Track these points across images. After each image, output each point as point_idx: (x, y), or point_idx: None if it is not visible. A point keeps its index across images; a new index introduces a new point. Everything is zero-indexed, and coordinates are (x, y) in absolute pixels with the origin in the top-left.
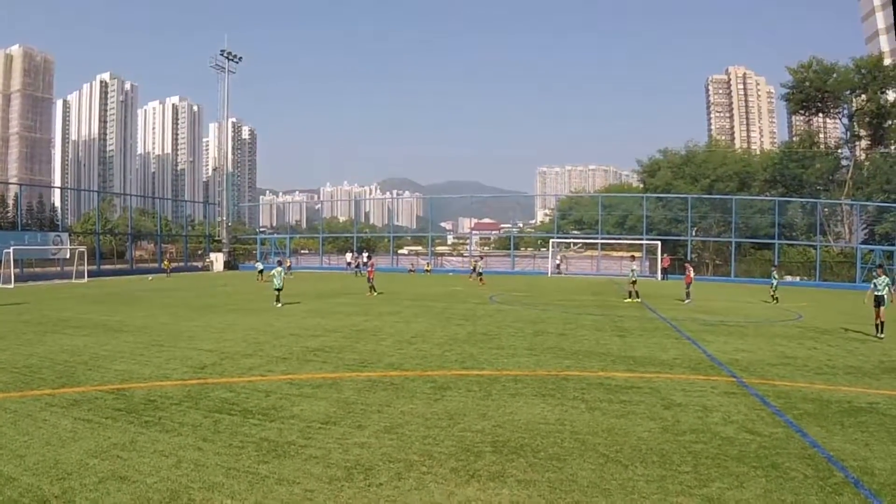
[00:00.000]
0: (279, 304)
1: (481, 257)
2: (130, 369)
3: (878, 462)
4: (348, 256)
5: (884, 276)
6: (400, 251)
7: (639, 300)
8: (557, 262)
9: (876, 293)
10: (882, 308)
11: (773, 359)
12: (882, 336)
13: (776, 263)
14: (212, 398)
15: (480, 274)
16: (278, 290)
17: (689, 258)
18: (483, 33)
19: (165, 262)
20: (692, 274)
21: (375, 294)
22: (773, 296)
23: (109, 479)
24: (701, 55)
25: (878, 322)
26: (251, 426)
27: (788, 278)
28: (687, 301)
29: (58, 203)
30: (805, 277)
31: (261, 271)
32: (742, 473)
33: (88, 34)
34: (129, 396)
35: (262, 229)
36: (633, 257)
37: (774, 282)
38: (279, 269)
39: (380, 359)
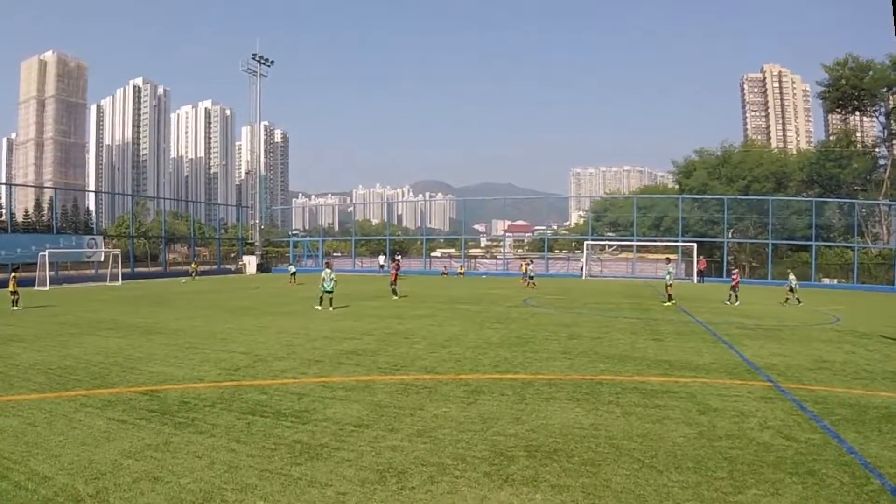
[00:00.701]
0: (327, 307)
1: (531, 261)
2: (164, 371)
3: None
4: (381, 259)
5: None
6: (433, 254)
7: (674, 302)
8: (582, 263)
9: None
10: None
11: (810, 363)
12: None
13: (791, 268)
14: (245, 400)
15: (532, 277)
16: (328, 293)
17: (729, 261)
18: (517, 34)
19: (193, 266)
20: (738, 277)
21: (397, 298)
22: (795, 298)
23: (143, 479)
24: (736, 53)
25: None
26: (284, 428)
27: (826, 281)
28: (736, 303)
29: (92, 206)
30: (842, 280)
31: (293, 274)
32: (778, 480)
33: (121, 40)
34: (162, 398)
35: (294, 232)
36: (668, 259)
37: (792, 283)
38: (328, 271)
39: (413, 362)
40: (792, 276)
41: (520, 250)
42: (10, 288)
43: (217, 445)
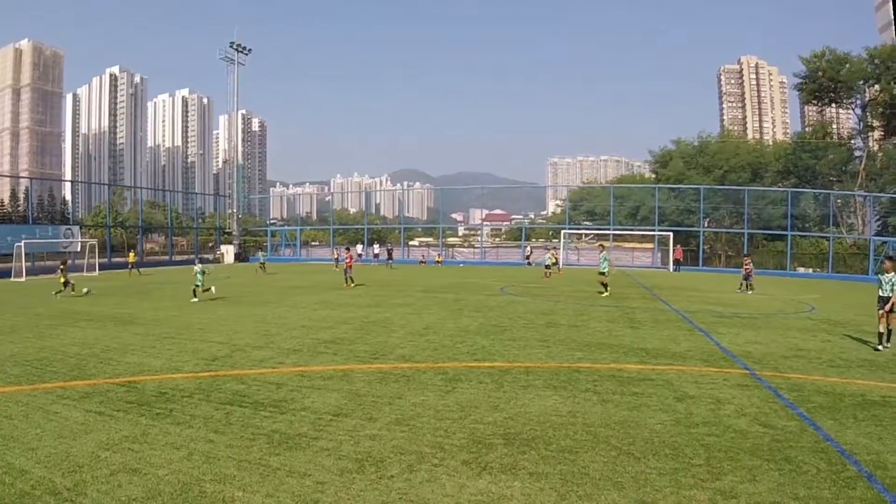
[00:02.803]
0: (197, 297)
1: (554, 247)
2: (141, 362)
3: (891, 456)
4: (376, 248)
5: (892, 273)
6: (411, 243)
7: (609, 292)
8: (527, 253)
9: (881, 293)
10: (891, 313)
11: (785, 351)
12: (887, 346)
13: (746, 253)
14: (223, 390)
15: (555, 264)
16: (198, 286)
17: (746, 251)
18: (494, 24)
19: (131, 256)
20: (752, 266)
21: (353, 286)
22: (749, 284)
23: (121, 471)
24: (713, 45)
25: (883, 330)
26: (262, 418)
27: (801, 270)
28: (749, 292)
29: (68, 196)
30: (818, 269)
31: (262, 264)
32: (755, 466)
33: (97, 28)
34: (140, 389)
35: (272, 221)
36: (602, 247)
37: (750, 270)
38: (199, 267)
39: (391, 350)
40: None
41: (537, 241)
42: (61, 278)
43: (195, 436)
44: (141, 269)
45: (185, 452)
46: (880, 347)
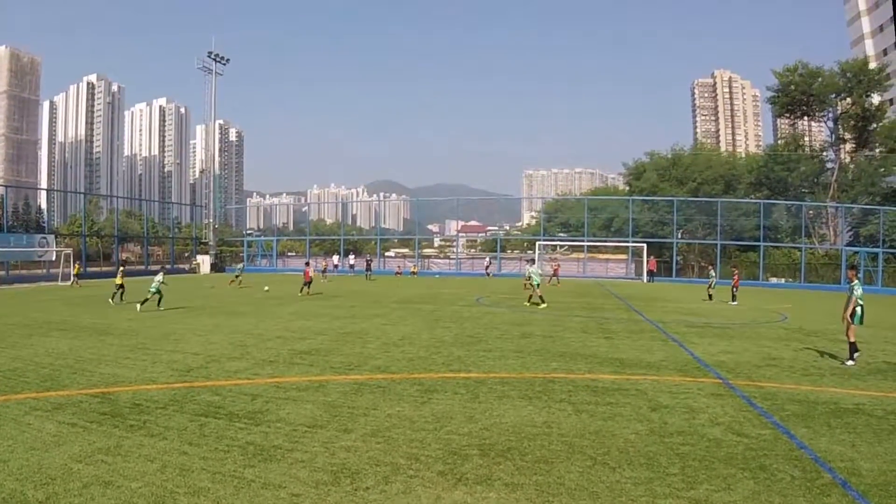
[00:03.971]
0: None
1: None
2: (116, 373)
3: (864, 463)
4: (351, 259)
5: (856, 282)
6: (387, 253)
7: (541, 304)
8: (487, 263)
9: (857, 303)
10: (854, 324)
11: (759, 360)
12: (852, 361)
13: (715, 263)
14: (197, 402)
15: (555, 275)
16: (156, 293)
17: (713, 263)
18: (470, 36)
19: (76, 268)
20: (738, 277)
21: (307, 294)
22: (709, 294)
23: (94, 484)
24: (687, 59)
25: (854, 340)
26: (237, 430)
27: (773, 280)
28: (734, 303)
29: (44, 205)
30: (790, 279)
31: (237, 276)
32: (730, 475)
33: (75, 35)
34: (114, 400)
35: (248, 231)
36: (532, 261)
37: (712, 280)
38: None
39: (366, 361)
40: (712, 273)
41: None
42: (118, 280)
43: (169, 448)
44: (81, 281)
45: (159, 465)
46: (848, 363)
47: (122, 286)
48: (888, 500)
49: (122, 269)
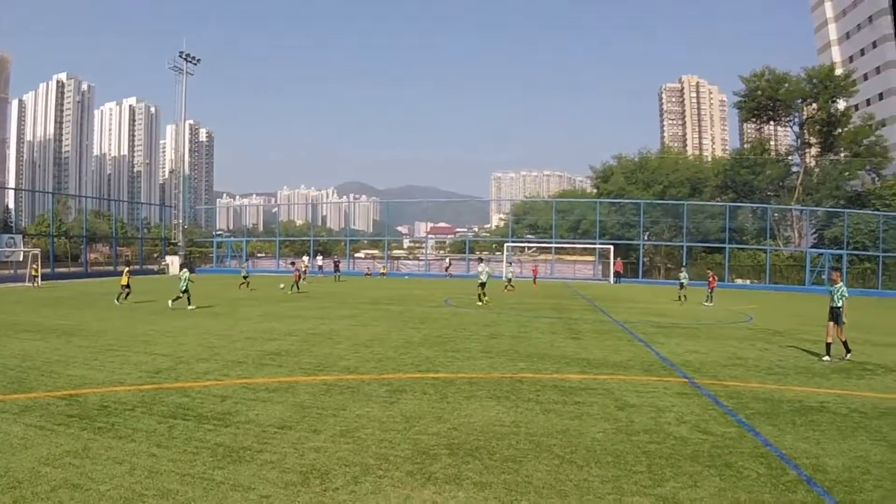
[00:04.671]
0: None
1: (510, 263)
2: (84, 374)
3: (829, 459)
4: (319, 259)
5: (840, 283)
6: (356, 255)
7: (482, 303)
8: (447, 264)
9: (831, 304)
10: (839, 326)
11: (724, 360)
12: (846, 357)
13: (684, 264)
14: (166, 403)
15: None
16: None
17: (683, 263)
18: (439, 40)
19: (34, 269)
20: (715, 279)
21: (296, 292)
22: (683, 295)
23: (62, 487)
24: (655, 65)
25: (832, 341)
26: (206, 431)
27: (739, 281)
28: (710, 304)
29: (12, 205)
30: (755, 280)
31: (245, 278)
32: (696, 473)
33: (45, 33)
34: (82, 402)
35: (218, 232)
36: (480, 259)
37: (683, 281)
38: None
39: (335, 362)
40: (684, 274)
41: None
42: (123, 281)
43: (138, 450)
44: (43, 283)
45: (128, 467)
46: (826, 359)
47: (127, 286)
48: (853, 496)
49: (127, 269)
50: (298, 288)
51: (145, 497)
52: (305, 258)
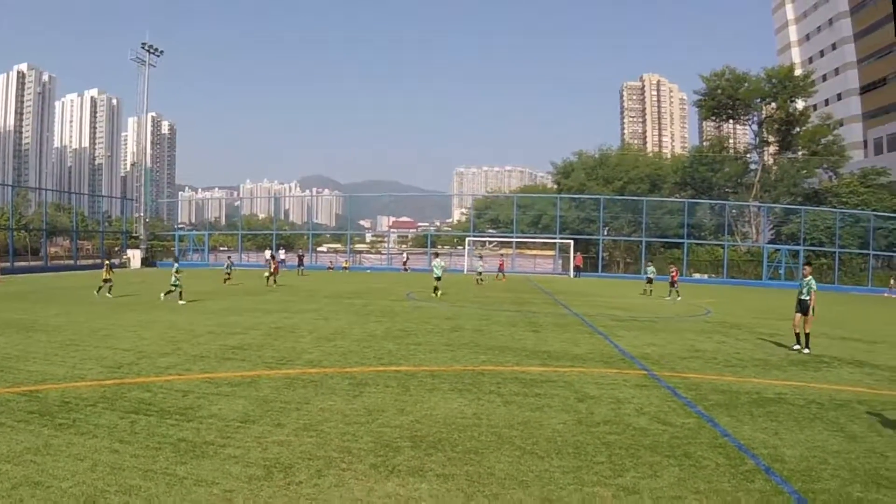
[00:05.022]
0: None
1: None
2: (44, 370)
3: (787, 450)
4: (281, 253)
5: (810, 277)
6: (319, 249)
7: (437, 294)
8: (405, 259)
9: (800, 297)
10: (807, 317)
11: (683, 352)
12: (807, 350)
13: (650, 260)
14: (128, 399)
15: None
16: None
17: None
18: (402, 36)
19: None
20: (676, 273)
21: (274, 284)
22: (650, 290)
23: (23, 484)
24: (616, 63)
25: (800, 332)
26: (168, 427)
27: (697, 276)
28: (676, 298)
29: None
30: (713, 275)
31: (228, 271)
32: (656, 463)
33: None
34: (42, 398)
35: (180, 226)
36: (436, 254)
37: (650, 275)
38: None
39: (298, 356)
40: (651, 269)
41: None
42: (104, 275)
43: (99, 447)
44: (3, 277)
45: (90, 463)
46: (796, 348)
47: (108, 280)
48: (811, 484)
49: (107, 262)
50: (276, 281)
51: (108, 494)
52: (268, 252)
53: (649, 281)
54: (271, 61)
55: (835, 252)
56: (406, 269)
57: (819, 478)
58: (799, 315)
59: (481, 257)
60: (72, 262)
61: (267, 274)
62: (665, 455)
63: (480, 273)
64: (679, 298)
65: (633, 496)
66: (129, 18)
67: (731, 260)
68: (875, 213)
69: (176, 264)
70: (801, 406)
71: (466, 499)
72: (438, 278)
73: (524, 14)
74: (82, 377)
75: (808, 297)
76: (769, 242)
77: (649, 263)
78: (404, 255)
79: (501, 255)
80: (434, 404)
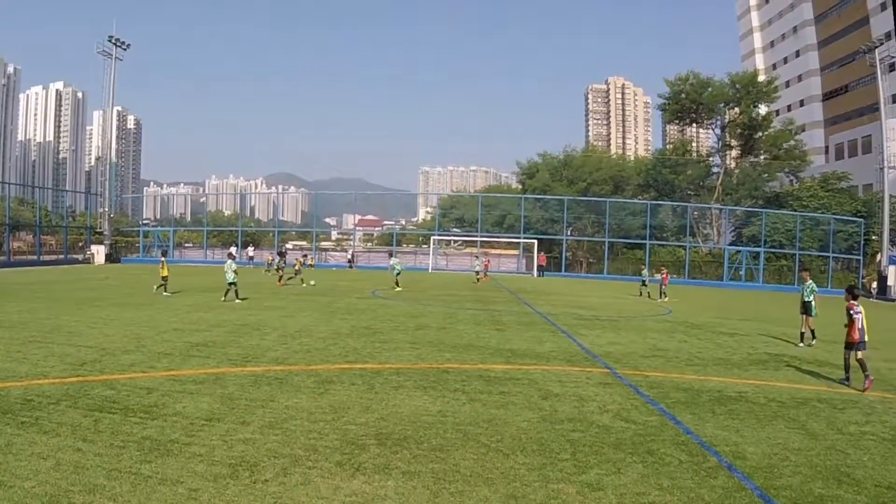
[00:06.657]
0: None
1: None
2: (5, 367)
3: (749, 447)
4: (250, 250)
5: (810, 281)
6: (285, 246)
7: (400, 289)
8: (349, 256)
9: (805, 299)
10: (810, 318)
11: (645, 351)
12: (812, 343)
13: (645, 262)
14: (92, 396)
15: (480, 272)
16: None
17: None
18: (368, 34)
19: None
20: (667, 275)
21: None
22: (645, 292)
23: None
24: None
25: (804, 331)
26: (132, 425)
27: (658, 276)
28: (665, 299)
29: None
30: (674, 276)
31: (278, 269)
32: (619, 460)
33: None
34: (4, 396)
35: (145, 221)
36: (390, 254)
37: (644, 278)
38: (229, 262)
39: (263, 353)
40: (645, 272)
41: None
42: (163, 272)
43: (63, 445)
44: None
45: (53, 462)
46: (801, 345)
47: (167, 278)
48: (773, 481)
49: (164, 259)
50: (282, 279)
51: (71, 493)
52: (233, 248)
53: (644, 283)
54: (237, 58)
55: (795, 254)
56: (351, 267)
57: (781, 474)
58: (804, 316)
59: (392, 254)
60: (35, 257)
61: (293, 272)
62: (628, 452)
63: (479, 272)
64: (666, 299)
65: (597, 492)
66: (97, 9)
67: (692, 261)
68: (835, 216)
69: (163, 258)
70: (763, 404)
71: (432, 496)
72: (399, 273)
73: (491, 14)
74: (45, 374)
75: (810, 299)
76: (730, 244)
77: (643, 267)
78: (349, 252)
79: (486, 254)
80: (399, 402)
